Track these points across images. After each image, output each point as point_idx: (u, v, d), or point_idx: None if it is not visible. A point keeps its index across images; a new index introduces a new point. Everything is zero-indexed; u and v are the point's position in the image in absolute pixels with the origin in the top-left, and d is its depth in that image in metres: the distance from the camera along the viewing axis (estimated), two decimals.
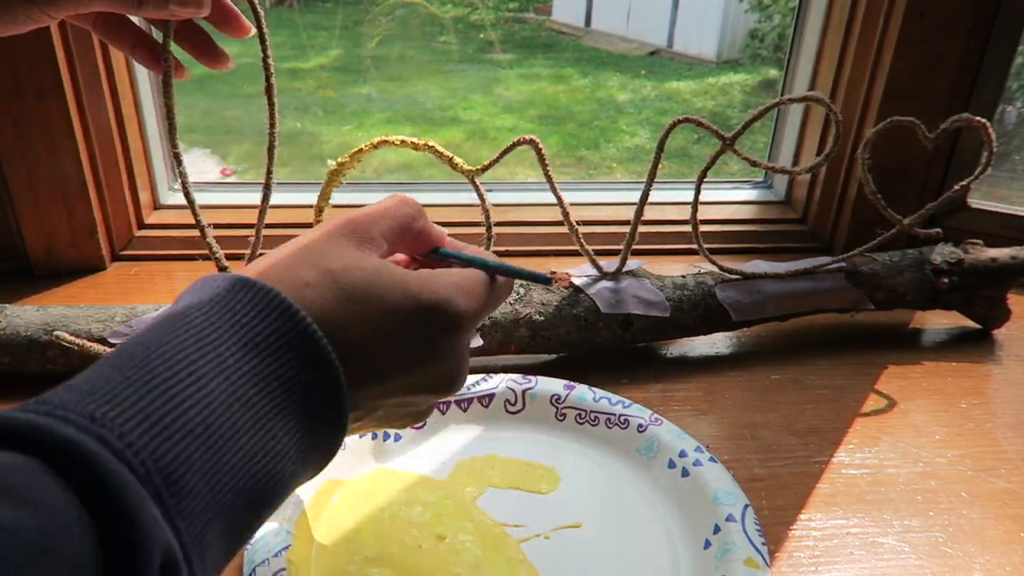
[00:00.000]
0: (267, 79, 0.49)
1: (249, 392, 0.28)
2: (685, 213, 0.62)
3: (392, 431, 0.51)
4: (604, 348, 0.61)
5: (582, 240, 0.60)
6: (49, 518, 0.21)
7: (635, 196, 0.61)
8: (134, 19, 0.47)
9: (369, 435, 0.50)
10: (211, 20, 0.46)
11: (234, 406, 0.27)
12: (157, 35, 0.47)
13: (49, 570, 0.20)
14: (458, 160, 0.55)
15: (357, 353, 0.31)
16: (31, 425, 0.22)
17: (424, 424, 0.52)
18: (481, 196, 0.56)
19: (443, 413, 0.53)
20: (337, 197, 0.54)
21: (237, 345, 0.28)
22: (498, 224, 0.58)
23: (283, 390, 0.29)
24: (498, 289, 0.37)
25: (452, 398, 0.54)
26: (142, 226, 0.79)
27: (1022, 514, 0.49)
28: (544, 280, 0.40)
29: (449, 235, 0.40)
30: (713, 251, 0.62)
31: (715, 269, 0.63)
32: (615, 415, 0.53)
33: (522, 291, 0.60)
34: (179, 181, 0.50)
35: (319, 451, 0.31)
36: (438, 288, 0.33)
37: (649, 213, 0.61)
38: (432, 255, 0.39)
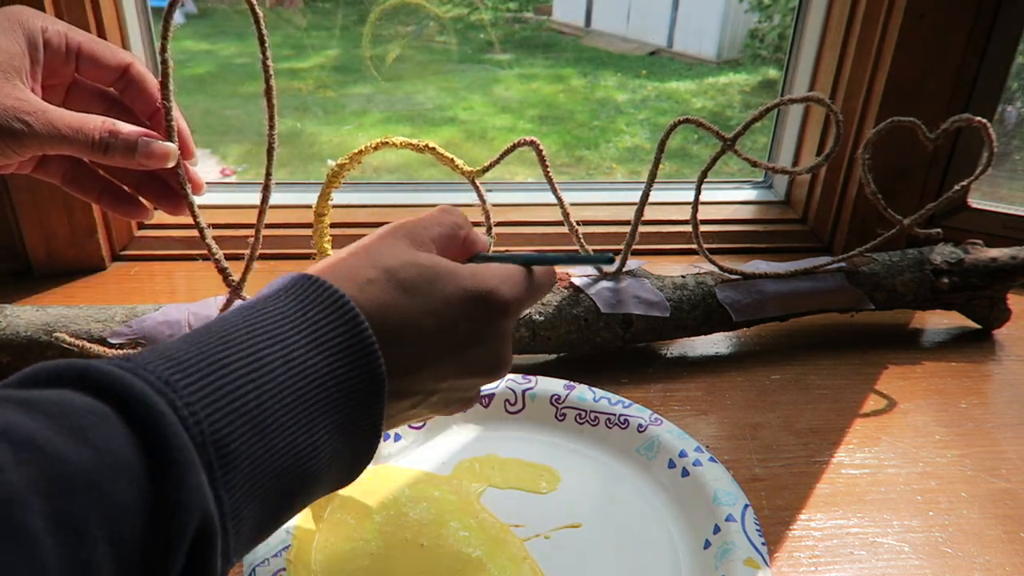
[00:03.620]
0: (266, 82, 0.49)
1: (306, 386, 0.30)
2: (685, 213, 0.62)
3: (393, 431, 0.51)
4: (604, 348, 0.61)
5: (582, 240, 0.60)
6: (106, 460, 0.23)
7: (635, 196, 0.61)
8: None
9: None
10: (168, 174, 0.49)
11: (289, 396, 0.29)
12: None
13: (90, 505, 0.22)
14: (459, 161, 0.55)
15: (413, 342, 0.34)
16: (114, 377, 0.25)
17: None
18: (481, 197, 0.56)
19: None
20: (337, 197, 0.54)
21: (304, 340, 0.30)
22: (498, 224, 0.58)
23: (337, 389, 0.31)
24: (539, 279, 0.39)
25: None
26: (142, 226, 0.79)
27: (1022, 514, 0.49)
28: (603, 260, 0.39)
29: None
30: (713, 251, 0.62)
31: (715, 269, 0.63)
32: (615, 415, 0.53)
33: None
34: (182, 193, 0.50)
35: (351, 452, 0.32)
36: (486, 278, 0.36)
37: (649, 213, 0.61)
38: (473, 259, 0.41)
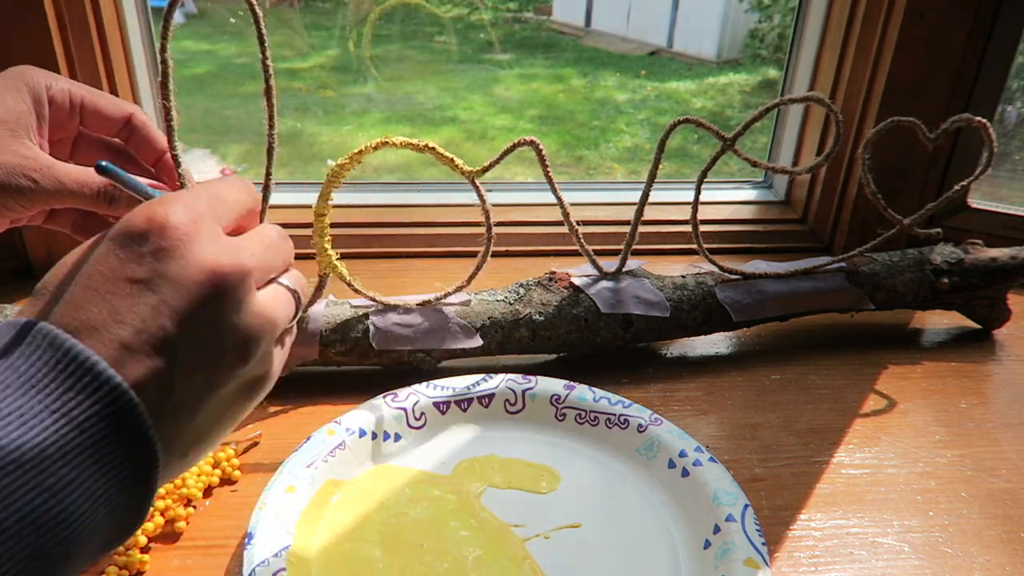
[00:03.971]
0: (266, 81, 0.49)
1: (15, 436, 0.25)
2: (685, 213, 0.62)
3: (392, 431, 0.51)
4: (604, 348, 0.61)
5: (582, 240, 0.60)
6: None
7: (635, 196, 0.61)
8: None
9: (369, 435, 0.50)
10: None
11: (25, 467, 0.25)
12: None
13: None
14: (459, 161, 0.55)
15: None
16: None
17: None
18: (481, 197, 0.56)
19: (443, 413, 0.53)
20: (337, 197, 0.54)
21: (39, 404, 0.26)
22: (498, 224, 0.58)
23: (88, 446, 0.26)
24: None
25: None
26: None
27: (1022, 514, 0.49)
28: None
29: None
30: (713, 251, 0.62)
31: (715, 269, 0.63)
32: (615, 415, 0.53)
33: (522, 291, 0.60)
34: (179, 181, 0.50)
35: (121, 513, 0.28)
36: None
37: (649, 213, 0.61)
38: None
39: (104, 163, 0.35)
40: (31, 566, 0.25)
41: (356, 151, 0.52)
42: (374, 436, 0.51)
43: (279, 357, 0.36)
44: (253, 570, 0.40)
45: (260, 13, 0.48)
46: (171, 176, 0.50)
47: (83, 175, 0.45)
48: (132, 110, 0.49)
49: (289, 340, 0.38)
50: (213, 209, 0.33)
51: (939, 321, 0.71)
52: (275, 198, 0.53)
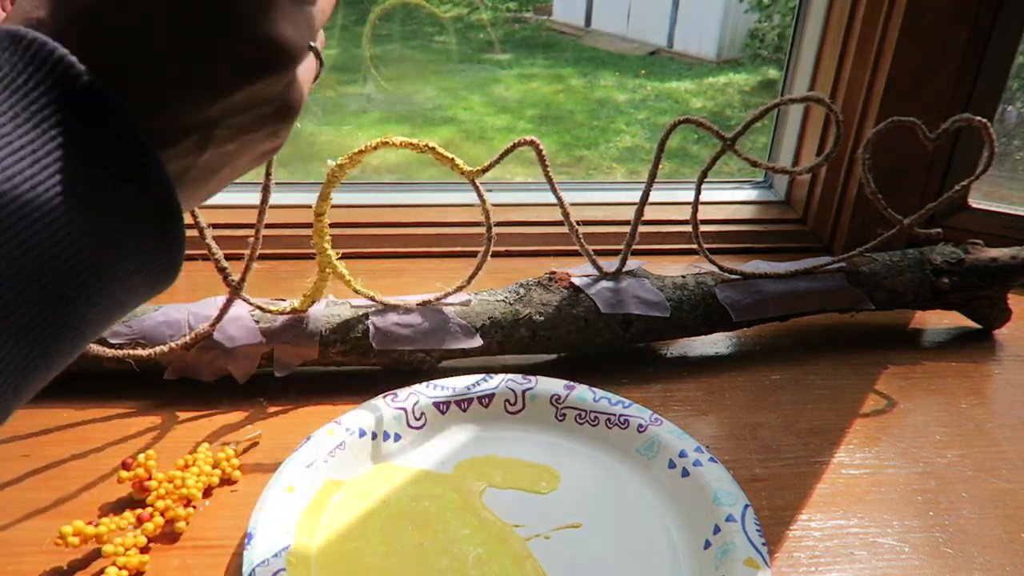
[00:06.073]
0: None
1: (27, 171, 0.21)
2: (685, 213, 0.62)
3: (392, 431, 0.51)
4: (604, 348, 0.61)
5: (582, 240, 0.60)
6: None
7: (635, 196, 0.61)
8: None
9: (369, 435, 0.50)
10: None
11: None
12: None
13: None
14: (459, 161, 0.55)
15: (126, 40, 0.24)
16: None
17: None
18: (481, 197, 0.56)
19: (443, 413, 0.53)
20: (337, 197, 0.54)
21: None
22: (498, 224, 0.58)
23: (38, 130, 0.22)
24: None
25: (447, 396, 0.54)
26: None
27: (1022, 514, 0.49)
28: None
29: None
30: (713, 251, 0.62)
31: (715, 269, 0.63)
32: (615, 415, 0.53)
33: (522, 291, 0.60)
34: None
35: (125, 214, 0.23)
36: None
37: (649, 213, 0.61)
38: None
39: None
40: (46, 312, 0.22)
41: (356, 151, 0.52)
42: (374, 436, 0.51)
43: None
44: (253, 570, 0.40)
45: None
46: None
47: None
48: None
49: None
50: None
51: (939, 321, 0.71)
52: (275, 198, 0.53)
